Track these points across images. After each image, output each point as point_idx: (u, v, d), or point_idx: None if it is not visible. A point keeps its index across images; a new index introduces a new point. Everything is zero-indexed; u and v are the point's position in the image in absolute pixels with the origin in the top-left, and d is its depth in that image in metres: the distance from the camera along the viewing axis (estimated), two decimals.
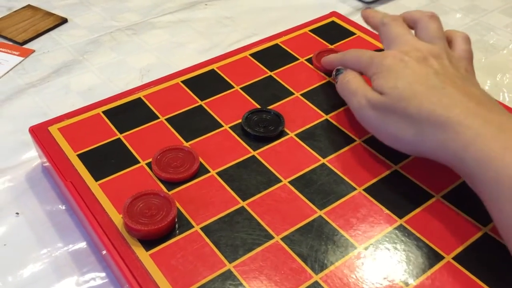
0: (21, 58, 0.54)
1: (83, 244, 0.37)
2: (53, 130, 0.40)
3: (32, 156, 0.43)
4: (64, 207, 0.39)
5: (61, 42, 0.57)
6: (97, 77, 0.52)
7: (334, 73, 0.43)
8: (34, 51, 0.55)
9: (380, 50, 0.45)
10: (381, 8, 0.63)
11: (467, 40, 0.40)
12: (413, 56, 0.36)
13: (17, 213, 0.39)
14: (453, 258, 0.32)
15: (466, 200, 0.35)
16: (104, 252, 0.34)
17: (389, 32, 0.40)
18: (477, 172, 0.30)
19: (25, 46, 0.56)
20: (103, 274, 0.35)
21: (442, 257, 0.32)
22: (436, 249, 0.32)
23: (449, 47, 0.38)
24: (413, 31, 0.41)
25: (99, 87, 0.50)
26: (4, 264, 0.35)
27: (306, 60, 0.48)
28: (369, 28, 0.47)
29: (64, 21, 0.59)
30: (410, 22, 0.41)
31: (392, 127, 0.35)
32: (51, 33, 0.58)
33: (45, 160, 0.40)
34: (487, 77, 0.52)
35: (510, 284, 0.30)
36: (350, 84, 0.39)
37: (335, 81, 0.42)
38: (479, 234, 0.33)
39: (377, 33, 0.43)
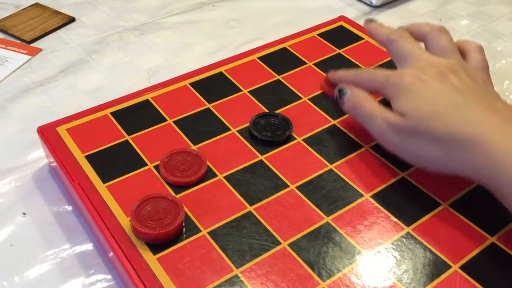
0: (29, 57, 0.54)
1: (89, 246, 0.37)
2: (61, 130, 0.40)
3: (39, 155, 0.43)
4: (71, 208, 0.39)
5: (69, 41, 0.57)
6: (104, 77, 0.52)
7: (337, 92, 0.40)
8: (41, 49, 0.55)
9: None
10: (389, 13, 0.62)
11: (481, 50, 0.39)
12: (430, 74, 0.35)
13: (24, 213, 0.39)
14: (460, 267, 0.32)
15: (474, 208, 0.35)
16: (110, 254, 0.34)
17: (399, 49, 0.39)
18: (510, 189, 0.30)
19: (33, 44, 0.56)
20: (109, 277, 0.35)
21: (450, 266, 0.32)
22: (443, 258, 0.32)
23: (463, 59, 0.38)
24: (422, 44, 0.40)
25: (106, 88, 0.50)
26: (10, 264, 0.35)
27: (314, 64, 0.48)
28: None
29: (71, 20, 0.59)
30: (419, 36, 0.40)
31: (417, 148, 0.34)
32: (59, 32, 0.58)
33: (52, 160, 0.40)
34: (494, 84, 0.52)
35: None
36: (365, 107, 0.37)
37: (341, 102, 0.40)
38: (486, 243, 0.33)
39: (383, 49, 0.42)
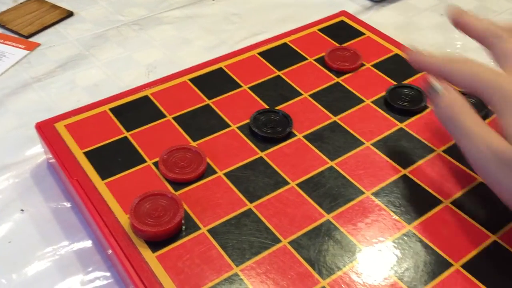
0: (27, 52, 0.53)
1: (88, 243, 0.36)
2: (60, 126, 0.40)
3: (37, 152, 0.43)
4: (69, 205, 0.39)
5: (67, 36, 0.56)
6: (103, 73, 0.51)
7: (429, 87, 0.32)
8: (39, 44, 0.55)
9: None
10: (390, 8, 0.62)
11: None
12: None
13: (22, 210, 0.38)
14: (462, 266, 0.31)
15: (476, 206, 0.35)
16: (109, 251, 0.33)
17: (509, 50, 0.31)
18: None
19: (31, 39, 0.55)
20: (108, 274, 0.35)
21: (451, 265, 0.32)
22: (445, 256, 0.32)
23: None
24: None
25: (105, 83, 0.50)
26: (9, 261, 0.35)
27: (314, 60, 0.47)
28: (378, 28, 0.47)
29: (70, 14, 0.59)
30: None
31: None
32: (57, 26, 0.57)
33: (50, 156, 0.39)
34: None
35: None
36: (463, 119, 0.29)
37: (431, 103, 0.32)
38: (488, 242, 0.33)
39: (482, 45, 0.33)
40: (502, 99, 0.28)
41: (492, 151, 0.28)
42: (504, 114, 0.28)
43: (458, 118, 0.30)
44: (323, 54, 0.47)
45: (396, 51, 0.48)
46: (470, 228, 0.34)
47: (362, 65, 0.46)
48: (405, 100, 0.42)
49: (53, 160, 0.39)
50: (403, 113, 0.42)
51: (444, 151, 0.39)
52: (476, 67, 0.30)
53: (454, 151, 0.39)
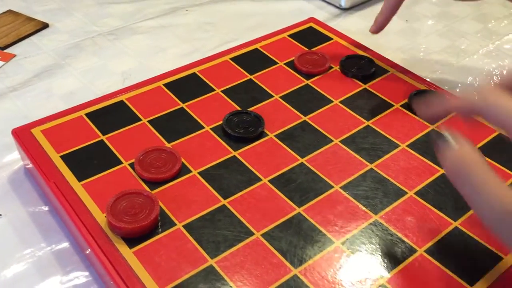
0: (2, 63, 0.54)
1: (66, 244, 0.37)
2: (36, 132, 0.41)
3: (14, 158, 0.43)
4: (47, 208, 0.39)
5: (42, 47, 0.57)
6: (78, 81, 0.52)
7: (437, 138, 0.29)
8: (15, 55, 0.55)
9: (354, 55, 0.47)
10: (358, 15, 0.64)
11: None
12: None
13: (0, 215, 0.39)
14: (425, 251, 0.33)
15: (438, 195, 0.37)
16: (88, 251, 0.34)
17: (506, 111, 0.27)
18: None
19: (6, 50, 0.56)
20: (87, 273, 0.35)
21: (415, 250, 0.33)
22: (410, 242, 0.34)
23: None
24: None
25: (81, 91, 0.51)
26: None
27: (285, 64, 0.49)
28: (345, 33, 0.49)
29: (45, 26, 0.60)
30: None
31: None
32: (32, 38, 0.58)
33: (27, 162, 0.40)
34: (458, 81, 0.54)
35: (476, 272, 0.32)
36: (476, 175, 0.27)
37: (439, 154, 0.29)
38: (450, 228, 0.35)
39: (471, 118, 0.31)
40: None
41: (506, 210, 0.25)
42: None
43: (469, 174, 0.27)
44: (293, 58, 0.49)
45: (362, 53, 0.50)
46: (433, 215, 0.35)
47: (330, 67, 0.48)
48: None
49: (30, 165, 0.40)
50: (369, 112, 0.44)
51: (408, 146, 0.41)
52: (502, 101, 0.28)
53: (417, 146, 0.41)
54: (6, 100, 0.49)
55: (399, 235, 0.34)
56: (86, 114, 0.42)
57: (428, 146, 0.41)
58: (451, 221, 0.35)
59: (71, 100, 0.49)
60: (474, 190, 0.26)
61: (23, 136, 0.40)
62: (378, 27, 0.49)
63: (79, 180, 0.37)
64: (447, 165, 0.28)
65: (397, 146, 0.41)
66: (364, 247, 0.33)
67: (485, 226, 0.26)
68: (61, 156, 0.39)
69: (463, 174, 0.27)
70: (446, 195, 0.37)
